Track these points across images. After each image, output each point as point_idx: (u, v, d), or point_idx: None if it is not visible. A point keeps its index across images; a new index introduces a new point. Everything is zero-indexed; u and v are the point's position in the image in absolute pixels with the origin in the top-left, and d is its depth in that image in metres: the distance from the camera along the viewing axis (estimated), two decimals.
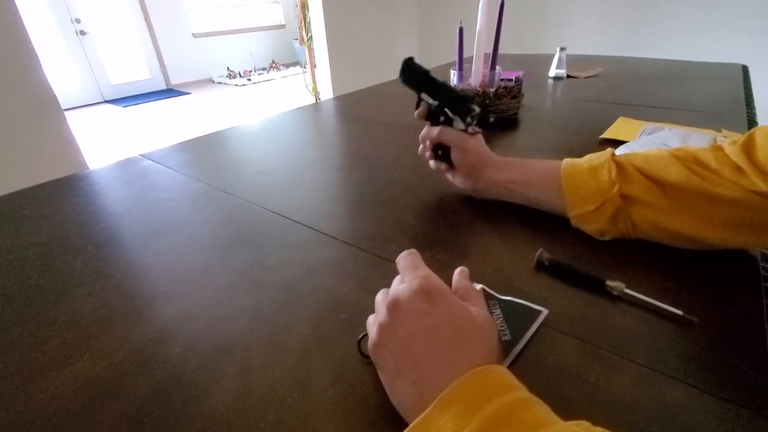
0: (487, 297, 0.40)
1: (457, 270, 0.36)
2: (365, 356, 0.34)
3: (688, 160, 0.43)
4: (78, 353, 0.37)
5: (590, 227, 0.48)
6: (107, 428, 0.30)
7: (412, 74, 0.58)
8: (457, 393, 0.24)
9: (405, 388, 0.28)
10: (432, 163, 0.62)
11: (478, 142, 0.57)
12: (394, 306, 0.30)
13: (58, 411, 0.32)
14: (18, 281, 0.47)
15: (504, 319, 0.38)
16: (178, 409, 0.31)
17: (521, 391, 0.25)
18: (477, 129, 0.57)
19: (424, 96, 0.58)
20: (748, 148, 0.40)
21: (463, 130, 0.57)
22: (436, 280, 0.31)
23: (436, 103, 0.57)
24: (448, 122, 0.57)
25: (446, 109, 0.57)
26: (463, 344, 0.28)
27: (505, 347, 0.35)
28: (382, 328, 0.30)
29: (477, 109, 0.57)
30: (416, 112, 0.60)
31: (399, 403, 0.29)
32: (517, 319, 0.38)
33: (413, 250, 0.35)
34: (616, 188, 0.45)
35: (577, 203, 0.48)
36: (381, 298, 0.33)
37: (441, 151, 0.59)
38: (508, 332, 0.36)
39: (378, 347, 0.30)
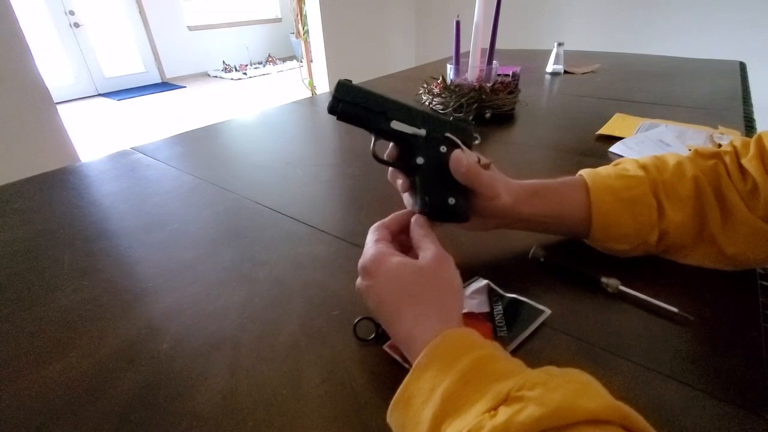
0: (492, 293, 0.40)
1: (414, 219, 0.37)
2: (361, 340, 0.35)
3: (708, 179, 0.41)
4: (65, 349, 0.36)
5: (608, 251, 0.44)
6: (93, 425, 0.30)
7: (366, 99, 0.38)
8: (430, 358, 0.26)
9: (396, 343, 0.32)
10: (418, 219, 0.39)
11: (501, 176, 0.42)
12: (357, 290, 0.34)
13: (43, 407, 0.31)
14: (5, 275, 0.46)
15: (503, 315, 0.37)
16: (165, 407, 0.31)
17: (488, 349, 0.27)
18: (487, 158, 0.40)
19: (396, 125, 0.38)
20: (764, 160, 0.38)
21: None
22: (372, 254, 0.33)
23: (422, 132, 0.38)
24: (436, 161, 0.38)
25: (450, 135, 0.39)
26: (411, 302, 0.30)
27: (501, 343, 0.34)
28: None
29: (477, 135, 0.42)
30: (386, 154, 0.41)
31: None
32: (518, 316, 0.37)
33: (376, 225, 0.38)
34: (655, 235, 0.41)
35: (606, 239, 0.43)
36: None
37: (454, 201, 0.38)
38: (505, 329, 0.36)
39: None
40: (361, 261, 0.34)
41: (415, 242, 0.35)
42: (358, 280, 0.34)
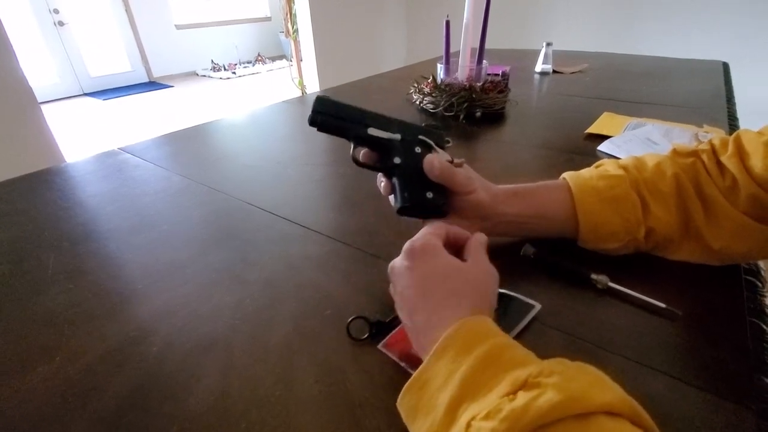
0: None
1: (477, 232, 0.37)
2: (355, 339, 0.36)
3: (688, 176, 0.41)
4: (51, 353, 0.35)
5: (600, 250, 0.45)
6: (82, 430, 0.29)
7: (343, 111, 0.41)
8: (450, 342, 0.27)
9: (409, 332, 0.32)
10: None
11: (477, 175, 0.43)
12: (390, 269, 0.34)
13: (30, 414, 0.30)
14: None
15: (494, 310, 0.38)
16: (156, 410, 0.30)
17: (505, 338, 0.28)
18: (460, 159, 0.42)
19: (373, 132, 0.41)
20: (742, 157, 0.39)
21: None
22: (423, 241, 0.33)
23: (397, 137, 0.41)
24: (412, 161, 0.40)
25: (423, 137, 0.42)
26: (445, 297, 0.30)
27: None
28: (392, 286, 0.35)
29: (450, 139, 0.44)
30: (360, 154, 0.42)
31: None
32: (510, 311, 0.38)
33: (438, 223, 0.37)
34: (643, 231, 0.41)
35: (596, 240, 0.43)
36: None
37: (432, 195, 0.39)
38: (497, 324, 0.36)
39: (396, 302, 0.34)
40: (410, 242, 0.34)
41: (469, 249, 0.35)
42: (397, 260, 0.34)
